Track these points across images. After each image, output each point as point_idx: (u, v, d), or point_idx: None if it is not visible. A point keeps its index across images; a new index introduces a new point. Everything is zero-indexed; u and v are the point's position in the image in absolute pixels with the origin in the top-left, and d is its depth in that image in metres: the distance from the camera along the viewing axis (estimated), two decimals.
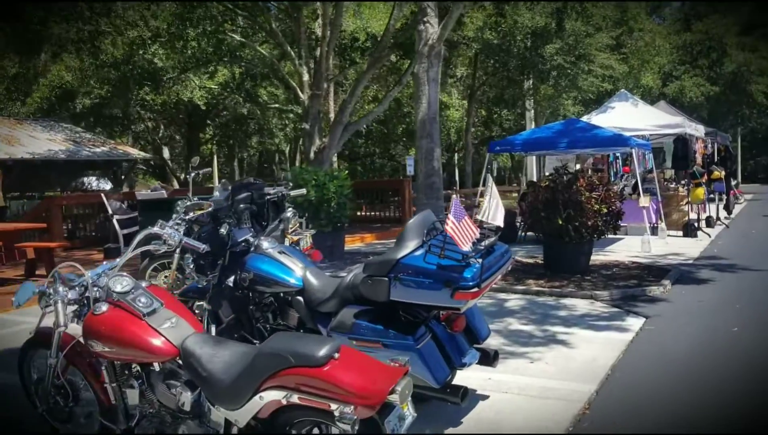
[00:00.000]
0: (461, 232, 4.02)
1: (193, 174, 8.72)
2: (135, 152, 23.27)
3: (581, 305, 7.56)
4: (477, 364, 4.55)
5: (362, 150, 41.64)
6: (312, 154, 16.43)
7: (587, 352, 5.74)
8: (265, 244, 4.98)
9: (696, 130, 16.31)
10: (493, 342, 6.04)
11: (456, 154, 39.79)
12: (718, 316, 7.05)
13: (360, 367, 2.94)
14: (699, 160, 17.12)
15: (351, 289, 4.45)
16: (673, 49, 34.41)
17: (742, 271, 9.75)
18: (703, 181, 15.41)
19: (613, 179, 16.94)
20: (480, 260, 4.07)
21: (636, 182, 18.22)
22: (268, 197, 5.17)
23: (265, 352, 3.02)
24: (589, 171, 19.67)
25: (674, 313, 7.16)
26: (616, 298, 7.86)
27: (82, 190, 23.36)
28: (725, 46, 34.57)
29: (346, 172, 11.90)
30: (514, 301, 7.88)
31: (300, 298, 4.78)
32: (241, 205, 4.95)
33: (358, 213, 18.82)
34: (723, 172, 17.62)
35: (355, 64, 17.05)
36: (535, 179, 20.94)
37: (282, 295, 4.89)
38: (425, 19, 9.90)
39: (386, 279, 4.18)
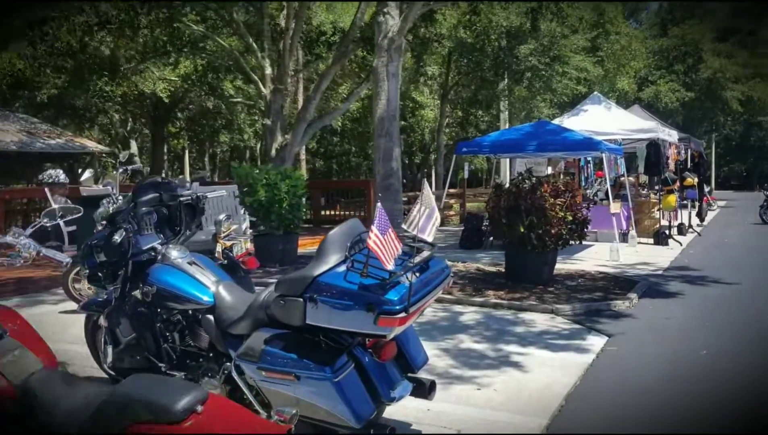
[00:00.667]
0: (386, 247, 3.42)
1: (120, 170, 7.99)
2: (92, 145, 22.36)
3: (541, 320, 7.01)
4: (411, 395, 3.96)
5: (337, 148, 40.97)
6: (273, 151, 15.76)
7: (541, 377, 5.17)
8: (174, 253, 4.34)
9: (669, 135, 15.93)
10: (440, 363, 5.47)
11: (432, 155, 39.30)
12: (686, 336, 6.55)
13: (229, 424, 2.32)
14: (672, 166, 16.75)
15: (264, 309, 3.83)
16: (649, 54, 34.26)
17: (714, 284, 9.30)
18: (676, 187, 15.03)
19: (583, 184, 16.50)
20: (410, 279, 3.48)
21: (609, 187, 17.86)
22: (182, 199, 4.52)
23: (115, 400, 2.39)
24: (561, 175, 19.29)
25: (639, 332, 6.64)
26: (579, 313, 7.32)
27: (45, 183, 22.42)
28: (701, 51, 34.53)
29: (301, 171, 11.26)
30: (470, 314, 7.31)
31: (210, 316, 4.15)
32: (143, 209, 4.30)
33: (323, 213, 18.20)
34: (696, 179, 17.28)
35: (321, 58, 16.42)
36: (504, 183, 20.49)
37: (191, 312, 4.25)
38: (385, 10, 9.31)
39: (301, 300, 3.57)
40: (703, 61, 34.38)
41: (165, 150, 39.85)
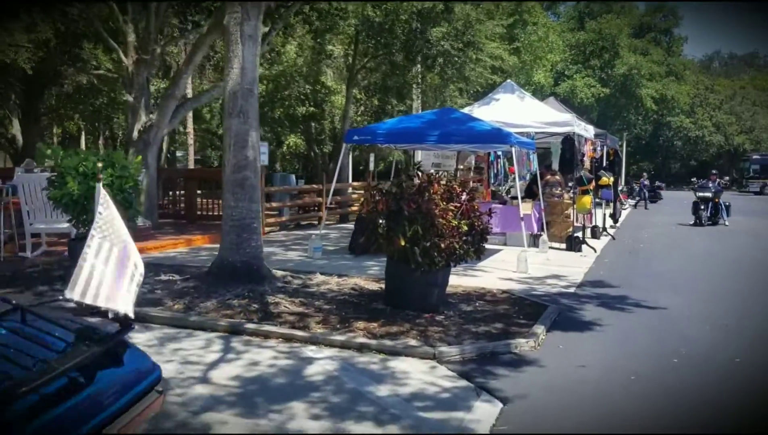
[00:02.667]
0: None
1: None
2: None
3: (417, 373, 5.13)
4: None
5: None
6: (135, 133, 13.30)
7: None
8: None
9: (586, 130, 14.56)
10: None
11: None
12: (606, 399, 4.84)
13: None
14: (587, 163, 15.44)
15: None
16: (566, 47, 33.44)
17: (635, 310, 7.73)
18: (591, 188, 13.66)
19: (492, 182, 14.92)
20: None
21: (531, 185, 16.43)
22: None
23: None
24: (470, 171, 17.69)
25: (544, 393, 4.87)
26: (469, 359, 5.51)
27: None
28: (618, 47, 34.02)
29: (140, 157, 9.01)
30: (323, 362, 5.35)
31: None
32: None
33: (200, 206, 15.84)
34: (612, 178, 16.07)
35: (198, 27, 14.11)
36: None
37: None
38: None
39: None
40: (620, 56, 33.92)
41: (58, 131, 35.84)
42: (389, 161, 32.14)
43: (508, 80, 15.79)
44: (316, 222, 15.99)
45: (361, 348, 5.61)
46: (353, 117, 30.08)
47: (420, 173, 6.68)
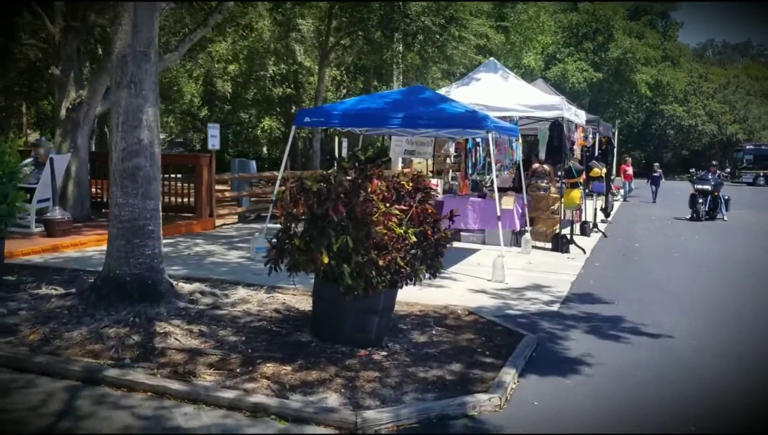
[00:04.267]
0: None
1: None
2: None
3: None
4: None
5: (230, 117, 35.84)
6: (63, 112, 11.58)
7: None
8: None
9: (576, 115, 12.93)
10: None
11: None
12: None
13: None
14: (578, 152, 13.86)
15: None
16: (558, 29, 31.72)
17: (633, 338, 6.17)
18: (582, 181, 12.08)
19: (470, 172, 13.32)
20: None
21: (517, 177, 14.89)
22: None
23: None
24: (449, 159, 16.07)
25: None
26: (406, 428, 3.93)
27: None
28: (612, 29, 32.29)
29: (22, 139, 7.32)
30: None
31: None
32: None
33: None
34: (604, 170, 14.50)
35: None
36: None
37: None
38: None
39: None
40: (614, 39, 32.19)
41: None
42: (378, 147, 30.29)
43: (491, 58, 14.12)
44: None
45: (256, 411, 4.01)
46: (334, 99, 28.34)
47: (356, 164, 5.04)
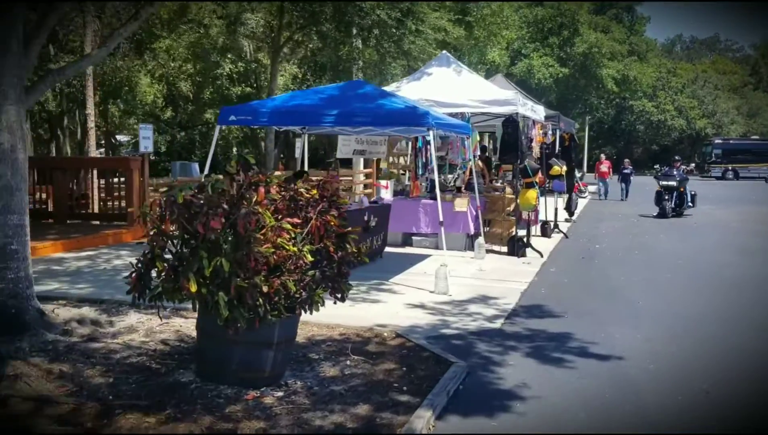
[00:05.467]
0: None
1: None
2: None
3: None
4: None
5: (195, 117, 34.48)
6: None
7: None
8: None
9: (533, 110, 12.25)
10: None
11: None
12: None
13: None
14: (536, 150, 13.18)
15: None
16: (523, 24, 31.11)
17: (578, 362, 5.43)
18: (538, 180, 11.38)
19: (421, 172, 12.56)
20: None
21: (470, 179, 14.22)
22: None
23: None
24: (404, 159, 15.27)
25: None
26: None
27: None
28: (577, 23, 31.77)
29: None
30: None
31: None
32: None
33: (80, 204, 13.15)
34: (565, 167, 13.83)
35: None
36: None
37: None
38: None
39: None
40: (579, 34, 31.69)
41: None
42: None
43: (444, 52, 13.36)
44: None
45: None
46: None
47: (240, 170, 4.21)
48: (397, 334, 5.82)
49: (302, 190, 4.43)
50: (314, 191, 4.54)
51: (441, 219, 8.34)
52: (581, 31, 31.80)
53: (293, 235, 4.18)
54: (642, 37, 42.38)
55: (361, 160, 19.88)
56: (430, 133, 8.35)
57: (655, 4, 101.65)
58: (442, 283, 7.80)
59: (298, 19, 17.86)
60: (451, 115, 11.43)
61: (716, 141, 48.58)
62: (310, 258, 4.18)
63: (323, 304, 4.44)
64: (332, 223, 4.38)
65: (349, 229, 4.67)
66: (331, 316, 5.59)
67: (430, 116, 7.98)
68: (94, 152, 17.98)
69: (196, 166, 14.67)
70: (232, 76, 27.48)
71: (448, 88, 11.63)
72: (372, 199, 11.20)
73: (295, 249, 4.14)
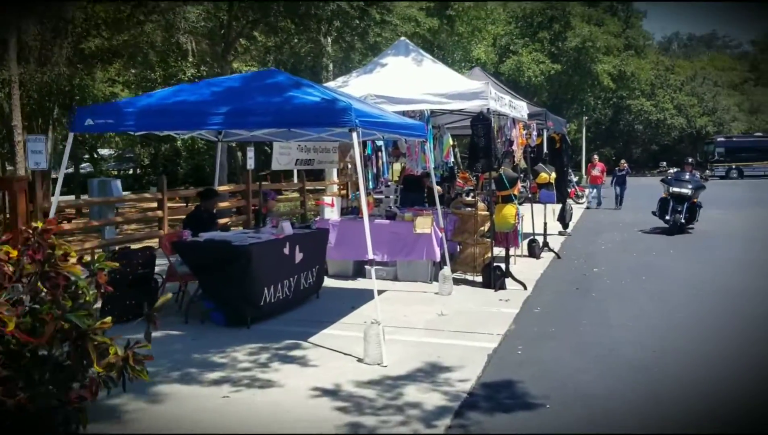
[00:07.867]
0: None
1: None
2: None
3: None
4: None
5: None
6: None
7: None
8: None
9: (512, 106, 9.91)
10: None
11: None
12: None
13: None
14: (518, 155, 10.88)
15: None
16: (510, 19, 28.84)
17: None
18: (516, 192, 9.05)
19: (372, 186, 10.26)
20: None
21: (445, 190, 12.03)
22: None
23: None
24: (348, 165, 12.97)
25: None
26: None
27: None
28: (569, 16, 29.49)
29: None
30: None
31: None
32: None
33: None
34: (554, 174, 11.53)
35: None
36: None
37: None
38: None
39: None
40: (572, 27, 29.37)
41: None
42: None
43: (402, 38, 11.05)
44: (156, 244, 10.96)
45: None
46: None
47: None
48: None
49: None
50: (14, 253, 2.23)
51: (425, 229, 6.00)
52: (573, 24, 29.50)
53: None
54: (639, 29, 40.15)
55: (335, 171, 17.60)
56: (353, 134, 5.94)
57: (651, 2, 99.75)
58: (374, 349, 5.47)
59: (245, 12, 15.56)
60: (406, 113, 9.16)
61: (719, 139, 46.39)
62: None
63: None
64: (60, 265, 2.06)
65: (97, 324, 2.33)
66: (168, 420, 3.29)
67: (352, 112, 5.64)
68: (23, 170, 15.66)
69: (118, 183, 12.32)
70: (194, 80, 25.27)
71: (405, 82, 9.34)
72: (305, 223, 8.87)
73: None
